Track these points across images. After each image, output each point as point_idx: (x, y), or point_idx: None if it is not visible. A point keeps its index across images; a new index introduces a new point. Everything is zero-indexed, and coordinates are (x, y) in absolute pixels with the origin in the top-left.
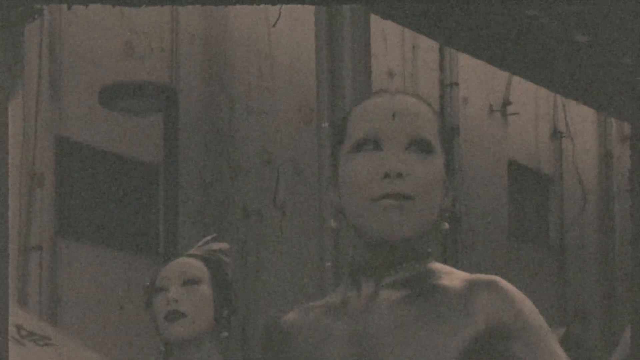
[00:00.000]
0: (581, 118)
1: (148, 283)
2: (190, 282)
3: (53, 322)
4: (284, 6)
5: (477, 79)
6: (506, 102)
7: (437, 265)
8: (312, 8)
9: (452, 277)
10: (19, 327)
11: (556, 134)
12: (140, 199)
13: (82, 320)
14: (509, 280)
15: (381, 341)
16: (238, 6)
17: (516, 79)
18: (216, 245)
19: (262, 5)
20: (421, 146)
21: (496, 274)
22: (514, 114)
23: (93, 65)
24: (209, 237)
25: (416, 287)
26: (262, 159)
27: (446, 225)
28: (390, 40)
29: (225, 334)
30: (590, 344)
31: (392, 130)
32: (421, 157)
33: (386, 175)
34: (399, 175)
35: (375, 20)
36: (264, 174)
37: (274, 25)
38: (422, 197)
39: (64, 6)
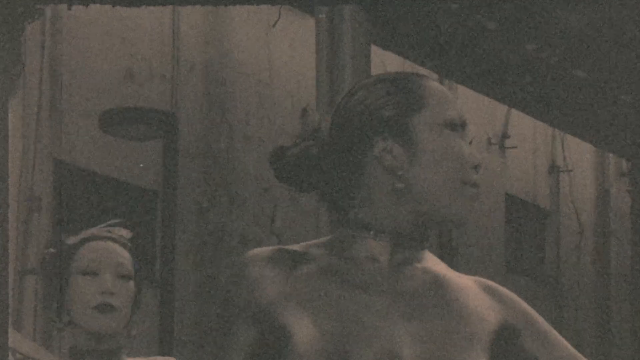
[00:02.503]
0: (579, 153)
1: (54, 250)
2: (124, 277)
3: (48, 346)
4: (285, 35)
5: (476, 111)
6: (504, 136)
7: (429, 253)
8: (313, 36)
9: (452, 271)
10: (13, 351)
11: (554, 169)
12: (138, 224)
13: None
14: None
15: (425, 312)
16: (238, 30)
17: (515, 112)
18: (128, 233)
19: (262, 34)
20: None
21: None
22: (512, 147)
23: (93, 90)
24: (115, 221)
25: (432, 271)
26: (260, 186)
27: None
28: (390, 71)
29: (134, 331)
30: None
31: (467, 123)
32: None
33: (476, 166)
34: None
35: (375, 51)
36: (262, 201)
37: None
38: None
39: (66, 31)
